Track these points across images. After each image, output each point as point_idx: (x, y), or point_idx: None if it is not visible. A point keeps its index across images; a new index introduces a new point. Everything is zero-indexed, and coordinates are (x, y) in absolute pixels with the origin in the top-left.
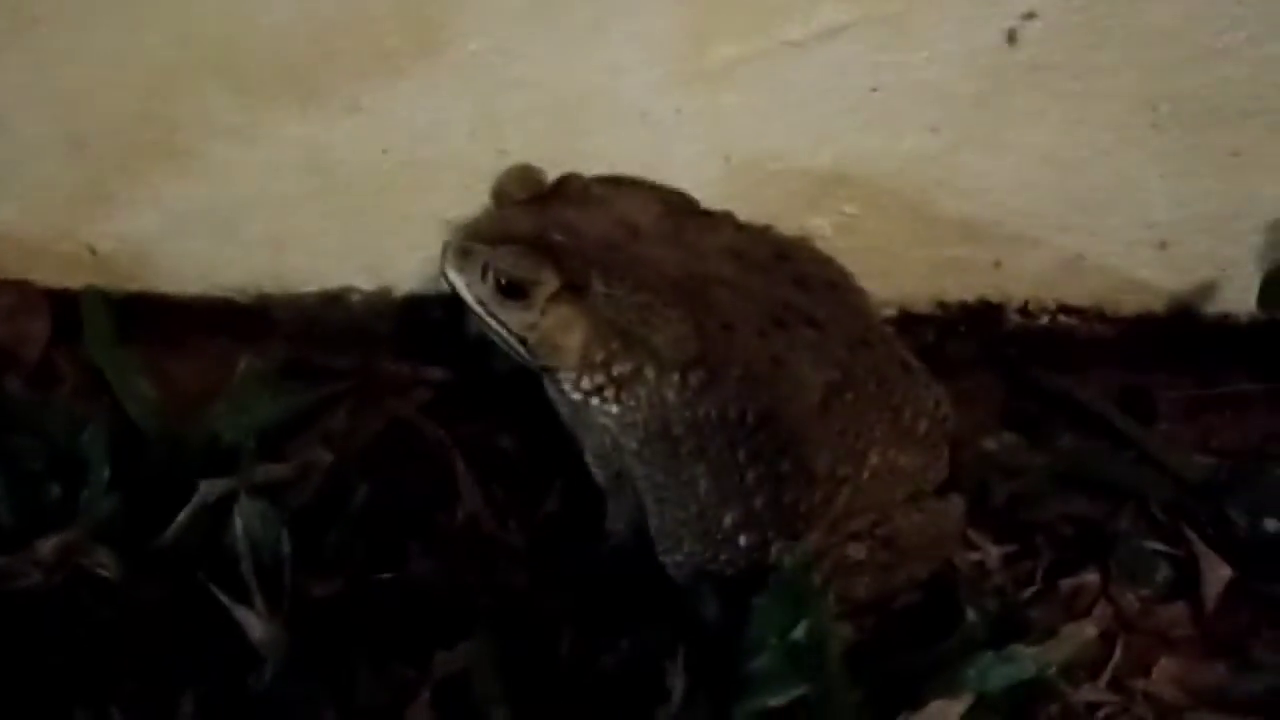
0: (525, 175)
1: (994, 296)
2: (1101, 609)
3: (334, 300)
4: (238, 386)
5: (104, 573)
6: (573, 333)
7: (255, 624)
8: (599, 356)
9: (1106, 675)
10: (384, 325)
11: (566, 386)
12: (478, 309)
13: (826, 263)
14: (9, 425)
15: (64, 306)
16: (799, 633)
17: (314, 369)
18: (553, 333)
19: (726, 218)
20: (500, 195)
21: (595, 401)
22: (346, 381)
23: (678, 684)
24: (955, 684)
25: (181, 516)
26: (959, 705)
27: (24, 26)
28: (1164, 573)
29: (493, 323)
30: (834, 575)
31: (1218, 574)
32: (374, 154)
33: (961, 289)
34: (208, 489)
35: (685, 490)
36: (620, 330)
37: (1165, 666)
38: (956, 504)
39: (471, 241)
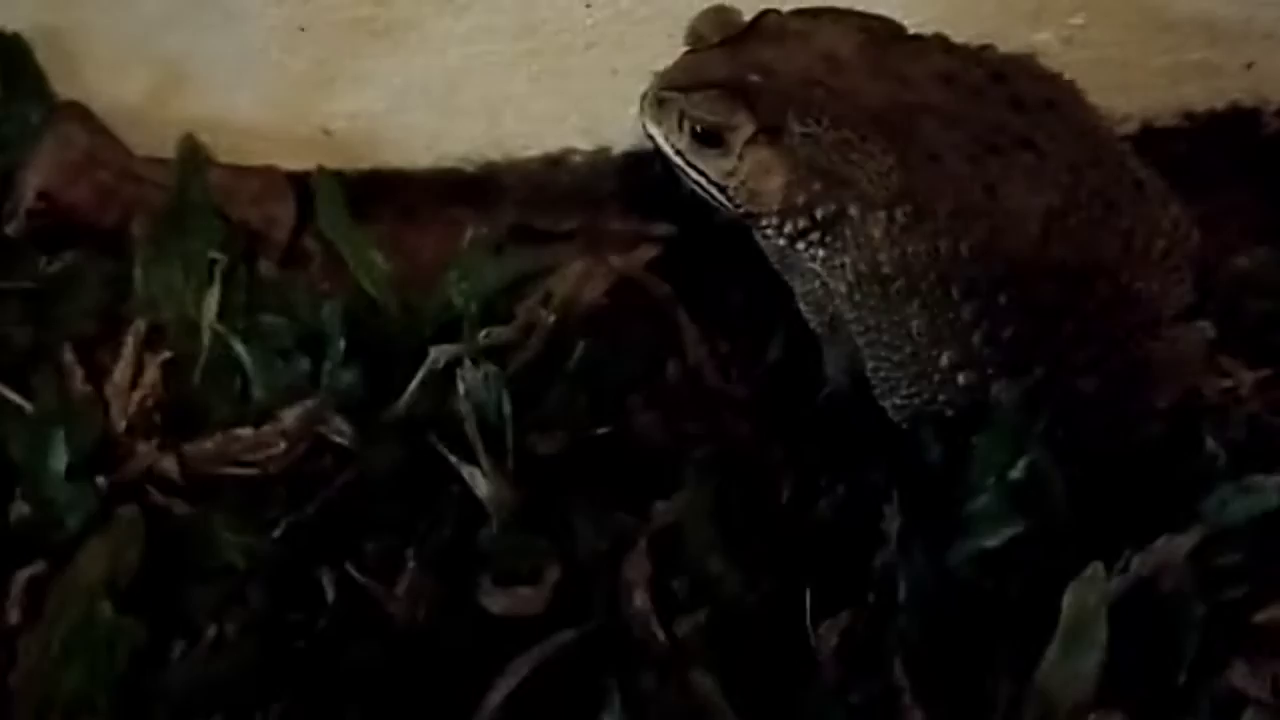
0: (720, 16)
1: (1247, 101)
2: None
3: (556, 163)
4: (466, 254)
5: (342, 440)
6: (772, 176)
7: (482, 482)
8: (800, 199)
9: None
10: (606, 185)
11: (770, 233)
12: (677, 160)
13: (1050, 80)
14: (260, 306)
15: (307, 188)
16: (1018, 472)
17: (539, 232)
18: (752, 178)
19: (937, 41)
20: (695, 39)
21: (801, 246)
22: (571, 243)
23: (894, 527)
24: (1189, 518)
25: (413, 384)
26: (1188, 540)
27: None
28: None
29: (692, 173)
30: (1061, 410)
31: None
32: (578, 11)
33: (1210, 96)
34: (437, 355)
35: (899, 331)
36: (821, 170)
37: None
38: (1199, 330)
39: (666, 90)
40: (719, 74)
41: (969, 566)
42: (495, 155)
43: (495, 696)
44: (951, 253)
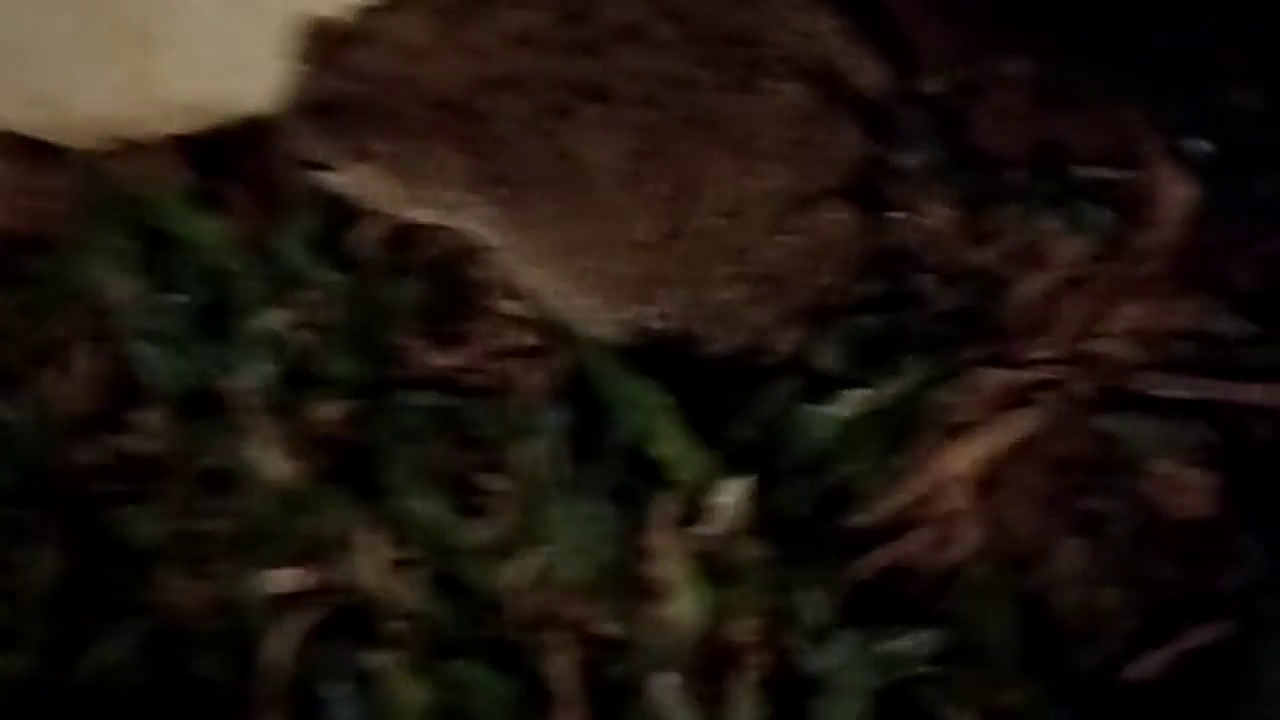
0: (323, 27)
1: None
2: (1062, 256)
3: None
4: None
5: None
6: (387, 184)
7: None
8: (423, 195)
9: (1062, 335)
10: None
11: (423, 220)
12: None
13: None
14: None
15: None
16: None
17: None
18: (373, 189)
19: None
20: (304, 53)
21: (455, 221)
22: None
23: None
24: None
25: None
26: None
27: None
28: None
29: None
30: (723, 319)
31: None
32: None
33: None
34: None
35: (541, 285)
36: (417, 176)
37: (1128, 315)
38: (839, 212)
39: (282, 119)
40: (321, 94)
41: None
42: None
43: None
44: (552, 217)
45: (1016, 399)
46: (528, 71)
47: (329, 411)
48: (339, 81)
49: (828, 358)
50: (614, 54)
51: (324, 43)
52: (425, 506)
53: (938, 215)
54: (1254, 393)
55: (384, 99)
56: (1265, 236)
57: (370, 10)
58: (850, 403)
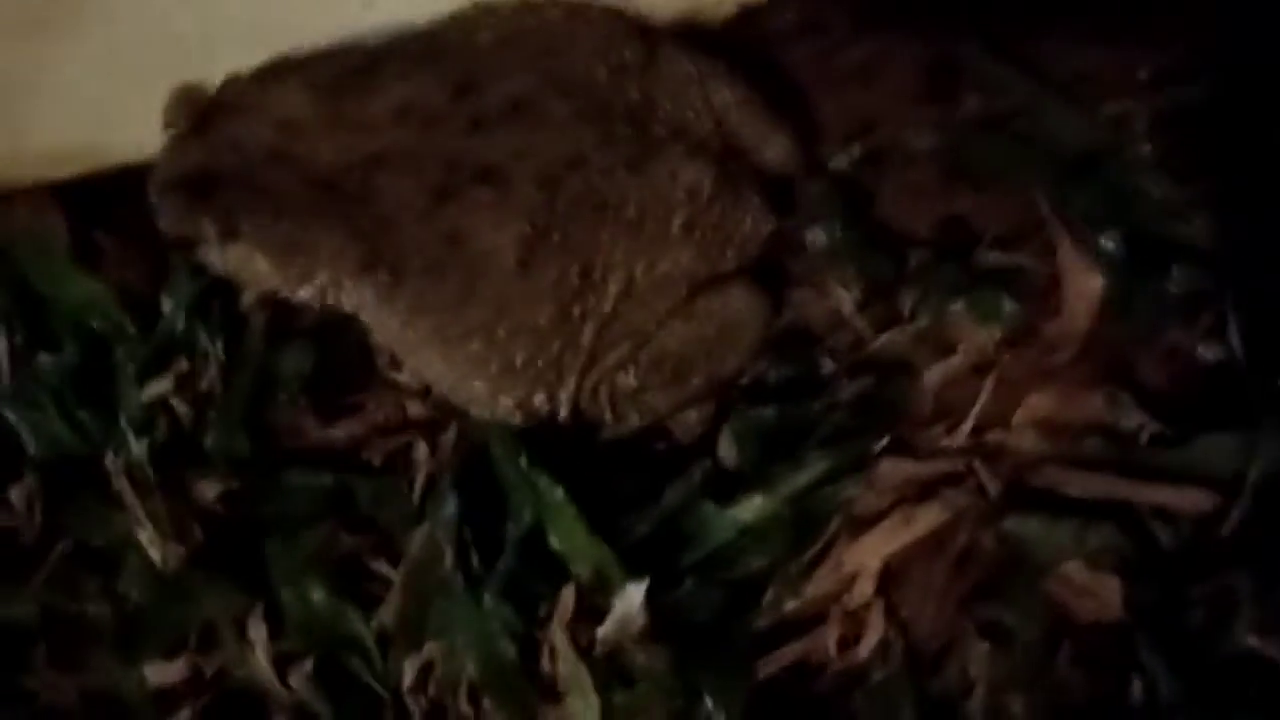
0: (189, 95)
1: None
2: (969, 343)
3: None
4: None
5: None
6: (257, 263)
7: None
8: (295, 274)
9: (967, 426)
10: None
11: (302, 302)
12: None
13: (538, 37)
14: None
15: None
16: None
17: None
18: (242, 267)
19: (396, 57)
20: (171, 122)
21: (331, 301)
22: None
23: None
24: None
25: None
26: None
27: None
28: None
29: None
30: (618, 403)
31: (1087, 286)
32: None
33: None
34: None
35: (428, 371)
36: (292, 250)
37: (1033, 406)
38: (739, 295)
39: (151, 194)
40: (190, 166)
41: None
42: None
43: None
44: (438, 303)
45: (922, 492)
46: (412, 149)
47: (212, 488)
48: (209, 153)
49: (730, 450)
50: (503, 131)
51: (194, 110)
52: (312, 593)
53: (842, 296)
54: (1161, 494)
55: (257, 174)
56: (1173, 332)
57: (245, 79)
58: (751, 508)
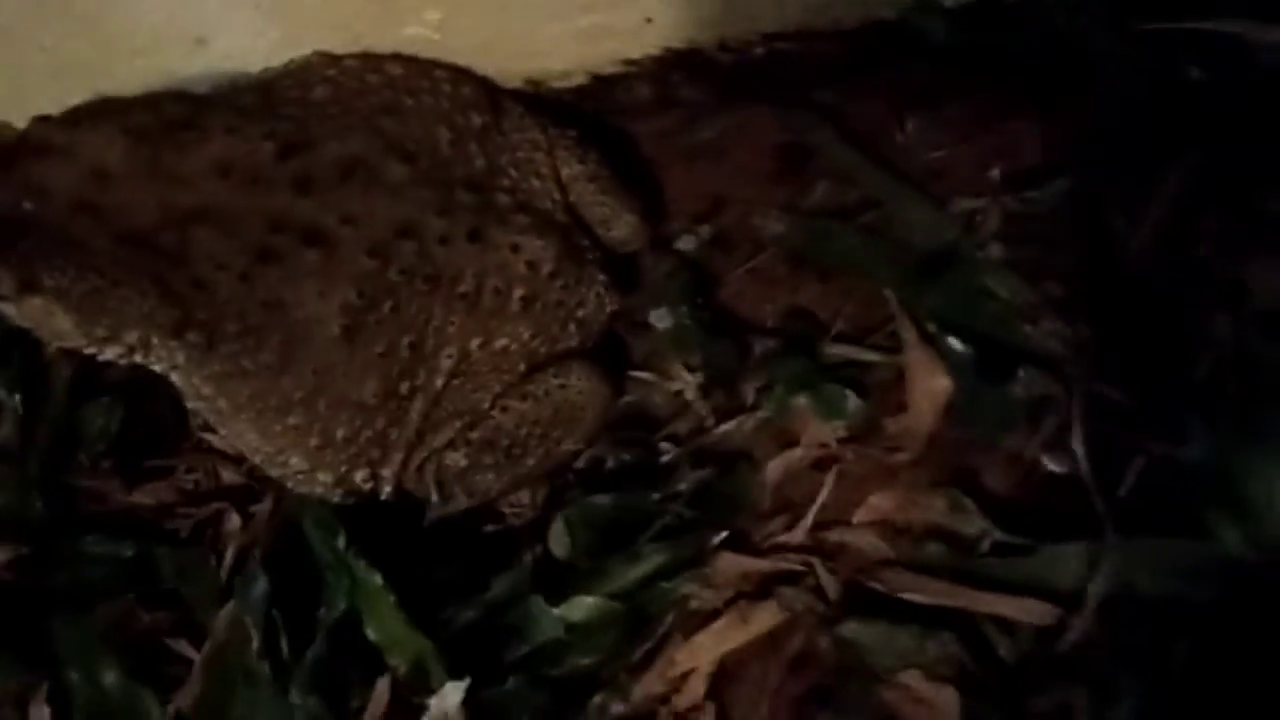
0: None
1: None
2: (811, 437)
3: None
4: None
5: None
6: (58, 319)
7: None
8: (100, 333)
9: (807, 522)
10: None
11: (102, 357)
12: None
13: (378, 94)
14: None
15: None
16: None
17: None
18: (40, 324)
19: (222, 109)
20: None
21: (140, 360)
22: None
23: None
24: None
25: None
26: None
27: None
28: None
29: None
30: (445, 482)
31: (933, 386)
32: None
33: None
34: None
35: (240, 441)
36: (96, 310)
37: (875, 505)
38: (579, 375)
39: None
40: None
41: None
42: None
43: None
44: (257, 369)
45: (757, 589)
46: (232, 207)
47: None
48: (12, 198)
49: (562, 541)
50: (333, 193)
51: None
52: (104, 674)
53: (686, 381)
54: (1000, 604)
55: (61, 224)
56: (1017, 438)
57: (56, 121)
58: (581, 606)
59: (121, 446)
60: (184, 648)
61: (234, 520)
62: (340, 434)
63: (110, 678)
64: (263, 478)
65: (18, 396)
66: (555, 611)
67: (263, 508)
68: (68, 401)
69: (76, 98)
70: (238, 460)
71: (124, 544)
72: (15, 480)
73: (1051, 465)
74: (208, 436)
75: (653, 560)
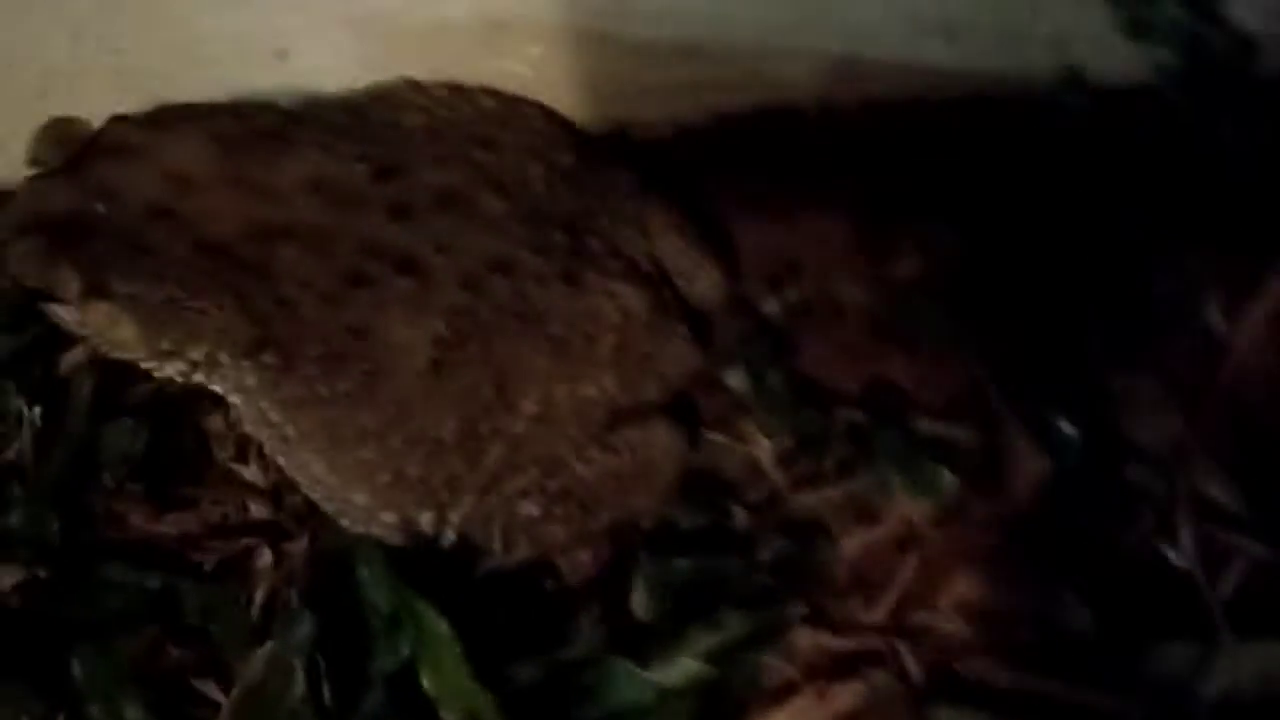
0: (62, 130)
1: None
2: (894, 513)
3: None
4: None
5: None
6: (122, 328)
7: None
8: (164, 346)
9: (890, 601)
10: None
11: (158, 374)
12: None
13: (471, 126)
14: None
15: None
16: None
17: None
18: (102, 331)
19: (314, 125)
20: (38, 159)
21: (200, 380)
22: None
23: None
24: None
25: None
26: None
27: None
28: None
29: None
30: (513, 534)
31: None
32: None
33: None
34: None
35: (302, 473)
36: (165, 322)
37: (962, 588)
38: (661, 431)
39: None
40: (55, 208)
41: None
42: None
43: None
44: (333, 396)
45: (838, 667)
46: (322, 225)
47: (10, 575)
48: (82, 198)
49: (643, 601)
50: (427, 222)
51: (67, 147)
52: (126, 710)
53: (763, 446)
54: (1092, 698)
55: (135, 228)
56: (1116, 529)
57: (134, 121)
58: (675, 670)
59: (144, 472)
60: (210, 689)
61: (266, 557)
62: (413, 472)
63: (133, 715)
64: (295, 515)
65: (38, 409)
66: (645, 674)
67: (296, 546)
68: (89, 419)
69: (142, 104)
70: (270, 494)
71: (149, 575)
72: (30, 499)
73: (1157, 559)
74: (236, 468)
75: (734, 629)
